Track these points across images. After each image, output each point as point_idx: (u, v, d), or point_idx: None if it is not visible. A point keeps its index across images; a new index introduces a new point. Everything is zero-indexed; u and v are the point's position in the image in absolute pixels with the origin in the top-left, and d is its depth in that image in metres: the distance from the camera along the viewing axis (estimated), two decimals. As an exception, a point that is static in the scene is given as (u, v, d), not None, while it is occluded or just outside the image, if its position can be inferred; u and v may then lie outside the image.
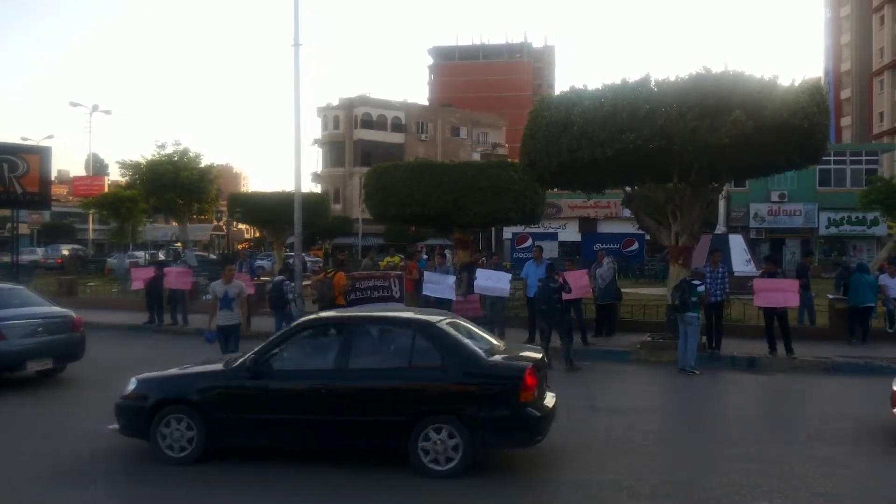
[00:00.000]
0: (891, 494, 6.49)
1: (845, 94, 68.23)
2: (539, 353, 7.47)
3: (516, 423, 6.54)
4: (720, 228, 30.12)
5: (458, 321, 7.62)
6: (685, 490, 6.41)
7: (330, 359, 6.97)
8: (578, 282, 14.58)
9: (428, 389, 6.64)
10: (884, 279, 15.00)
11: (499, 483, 6.55)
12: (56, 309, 11.45)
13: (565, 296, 12.88)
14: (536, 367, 6.81)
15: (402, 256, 24.51)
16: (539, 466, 7.06)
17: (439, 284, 15.29)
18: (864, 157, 42.43)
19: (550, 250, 38.55)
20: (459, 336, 6.99)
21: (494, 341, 7.57)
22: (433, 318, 7.30)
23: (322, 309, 13.71)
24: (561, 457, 7.41)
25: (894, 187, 29.96)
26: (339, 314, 8.37)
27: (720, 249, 16.46)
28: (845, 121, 68.25)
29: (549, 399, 7.15)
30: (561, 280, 12.94)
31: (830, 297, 15.93)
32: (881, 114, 61.86)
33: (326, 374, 6.87)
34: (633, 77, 12.18)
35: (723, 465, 7.13)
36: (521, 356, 7.21)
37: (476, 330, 7.69)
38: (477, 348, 6.92)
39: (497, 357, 6.95)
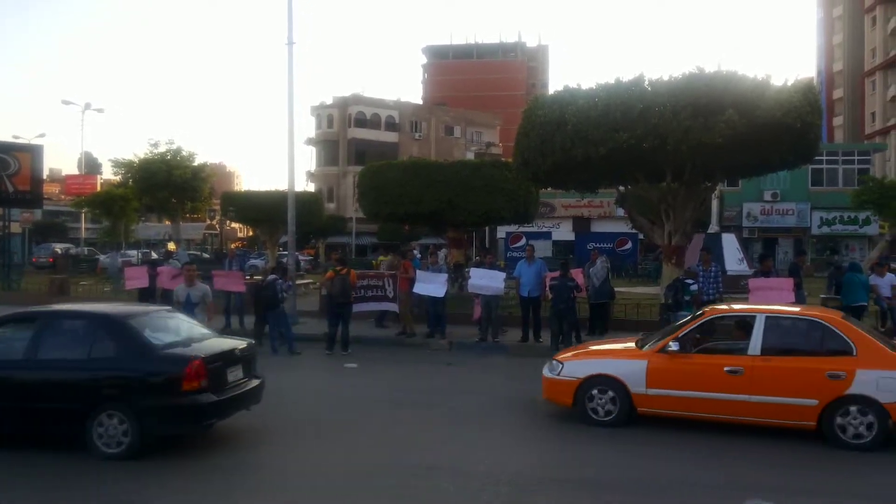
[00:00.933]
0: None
1: (837, 94, 68.48)
2: (239, 343, 8.10)
3: (181, 410, 7.07)
4: (713, 228, 30.18)
5: (165, 314, 8.35)
6: (669, 487, 6.46)
7: (23, 350, 7.39)
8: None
9: (102, 379, 7.14)
10: (874, 279, 15.08)
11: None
12: None
13: (576, 294, 12.93)
14: (213, 359, 7.32)
15: (396, 255, 24.47)
16: (538, 466, 7.08)
17: (431, 283, 15.28)
18: (856, 157, 42.62)
19: (544, 249, 38.58)
20: (137, 329, 7.43)
21: (198, 333, 8.14)
22: (118, 312, 7.79)
23: (336, 304, 13.78)
24: (552, 453, 7.44)
25: (886, 187, 30.11)
26: (38, 309, 8.77)
27: (712, 249, 16.49)
28: (837, 120, 68.52)
29: (243, 385, 7.78)
30: (575, 279, 13.02)
31: (823, 296, 15.99)
32: (873, 114, 62.15)
33: (18, 364, 7.34)
34: (627, 76, 12.22)
35: (714, 462, 7.21)
36: (203, 347, 7.61)
37: (185, 322, 8.36)
38: (154, 340, 7.39)
39: (175, 349, 7.42)
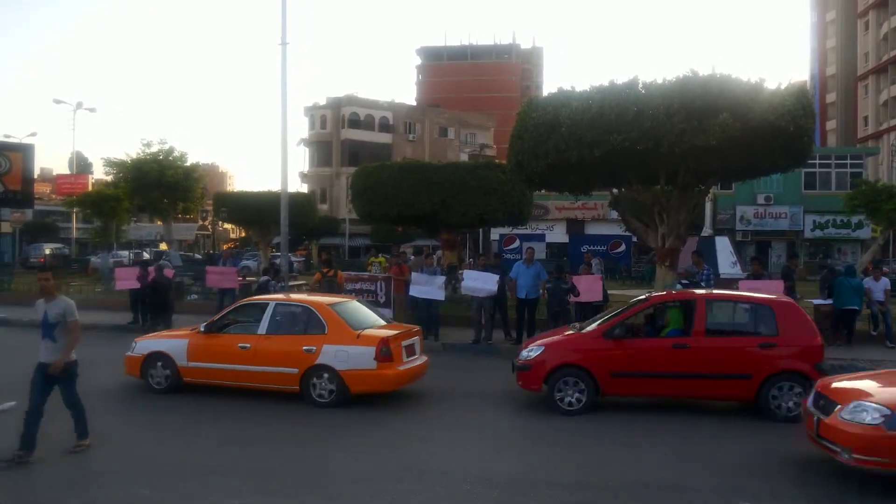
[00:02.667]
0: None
1: (830, 97, 68.75)
2: None
3: None
4: (707, 231, 30.30)
5: None
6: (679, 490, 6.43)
7: None
8: (593, 286, 14.45)
9: None
10: (868, 282, 15.07)
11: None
12: None
13: (573, 299, 12.89)
14: None
15: (388, 257, 24.42)
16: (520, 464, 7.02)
17: (427, 285, 15.19)
18: (848, 161, 42.77)
19: (538, 252, 38.49)
20: None
21: None
22: None
23: None
24: (553, 459, 7.39)
25: (878, 191, 30.13)
26: None
27: (706, 252, 16.47)
28: (830, 124, 68.78)
29: None
30: (571, 282, 13.02)
31: (815, 302, 15.85)
32: (866, 118, 62.41)
33: None
34: (622, 79, 12.25)
35: (700, 466, 7.14)
36: None
37: None
38: None
39: None
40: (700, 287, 12.51)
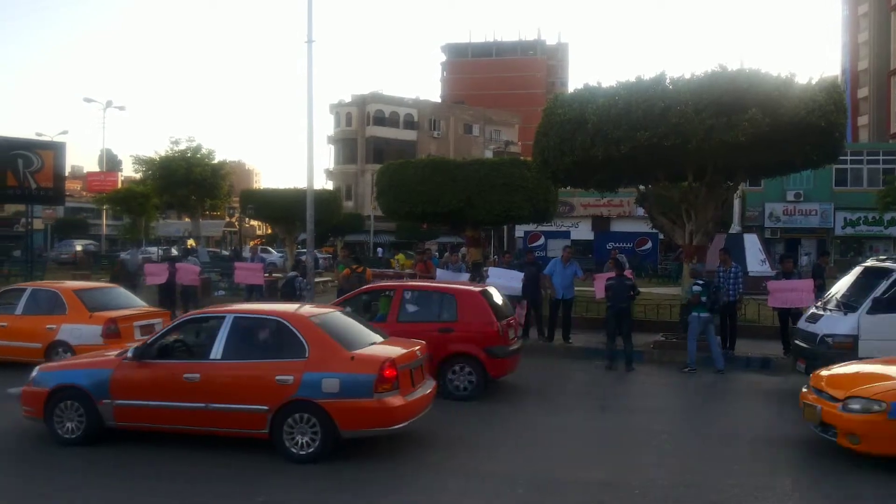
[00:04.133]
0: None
1: (862, 92, 67.41)
2: None
3: None
4: (735, 228, 29.91)
5: None
6: (696, 492, 6.35)
7: None
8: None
9: None
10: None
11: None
12: None
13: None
14: None
15: (410, 254, 24.48)
16: (558, 466, 7.01)
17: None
18: (881, 157, 41.95)
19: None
20: None
21: None
22: None
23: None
24: (584, 457, 7.36)
25: (912, 187, 29.64)
26: None
27: (734, 249, 16.24)
28: (862, 120, 67.46)
29: None
30: (633, 279, 13.09)
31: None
32: (899, 113, 61.13)
33: None
34: (648, 75, 12.12)
35: (735, 467, 7.05)
36: None
37: None
38: None
39: None
40: (717, 289, 12.42)
